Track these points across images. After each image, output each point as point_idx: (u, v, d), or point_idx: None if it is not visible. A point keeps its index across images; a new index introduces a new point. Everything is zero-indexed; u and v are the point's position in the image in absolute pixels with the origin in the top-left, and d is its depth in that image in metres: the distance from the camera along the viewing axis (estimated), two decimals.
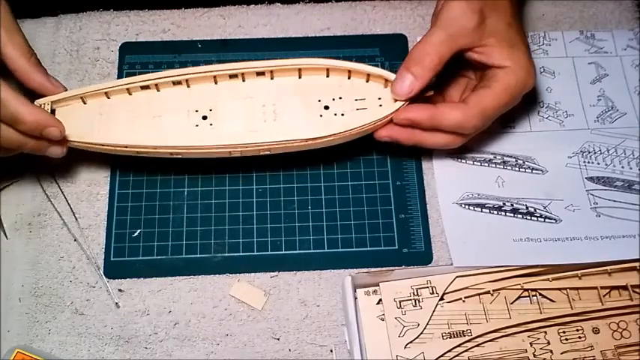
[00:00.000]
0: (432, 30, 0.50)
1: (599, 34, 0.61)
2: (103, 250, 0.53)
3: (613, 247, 0.52)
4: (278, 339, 0.51)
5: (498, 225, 0.54)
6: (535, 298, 0.51)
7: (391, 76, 0.51)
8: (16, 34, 0.50)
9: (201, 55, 0.59)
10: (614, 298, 0.51)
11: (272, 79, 0.52)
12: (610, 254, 0.52)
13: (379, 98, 0.52)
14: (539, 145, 0.57)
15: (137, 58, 0.59)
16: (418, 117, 0.49)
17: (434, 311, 0.50)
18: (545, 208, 0.54)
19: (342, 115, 0.51)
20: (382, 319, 0.50)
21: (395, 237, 0.54)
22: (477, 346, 0.49)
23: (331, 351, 0.50)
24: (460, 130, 0.50)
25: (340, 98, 0.52)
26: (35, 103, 0.50)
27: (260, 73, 0.52)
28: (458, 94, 0.54)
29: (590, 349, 0.50)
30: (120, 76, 0.58)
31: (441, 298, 0.50)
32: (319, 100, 0.52)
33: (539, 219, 0.54)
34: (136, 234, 0.53)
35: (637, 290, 0.51)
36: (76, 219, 0.54)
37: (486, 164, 0.56)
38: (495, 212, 0.54)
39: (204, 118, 0.51)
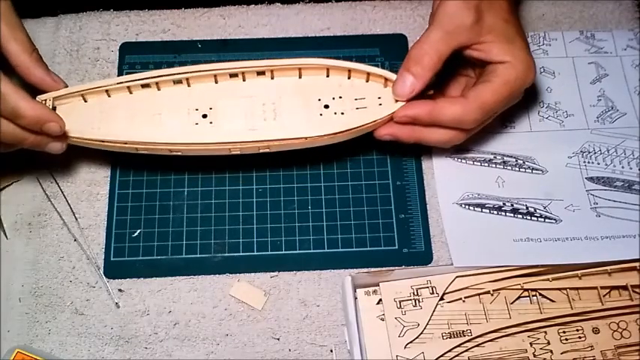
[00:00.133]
0: (429, 29, 0.50)
1: (599, 34, 0.61)
2: (103, 250, 0.53)
3: (613, 247, 0.52)
4: (278, 339, 0.51)
5: (498, 225, 0.54)
6: (535, 298, 0.51)
7: (391, 75, 0.51)
8: (19, 30, 0.50)
9: (201, 55, 0.59)
10: (614, 298, 0.51)
11: (272, 78, 0.52)
12: (610, 254, 0.52)
13: (379, 98, 0.52)
14: (539, 145, 0.57)
15: (137, 58, 0.59)
16: (417, 113, 0.49)
17: (434, 311, 0.50)
18: (545, 208, 0.54)
19: (342, 114, 0.51)
20: (382, 319, 0.50)
21: (395, 237, 0.54)
22: (477, 346, 0.49)
23: (331, 351, 0.50)
24: (460, 125, 0.50)
25: (340, 97, 0.52)
26: (37, 98, 0.50)
27: (260, 73, 0.52)
28: (458, 93, 0.54)
29: (590, 349, 0.50)
30: (120, 76, 0.58)
31: (441, 298, 0.50)
32: (319, 100, 0.52)
33: (539, 219, 0.54)
34: (136, 234, 0.53)
35: (637, 290, 0.51)
36: (76, 219, 0.54)
37: (486, 164, 0.56)
38: (495, 212, 0.54)
39: (204, 116, 0.51)
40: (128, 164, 0.56)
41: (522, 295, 0.51)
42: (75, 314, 0.51)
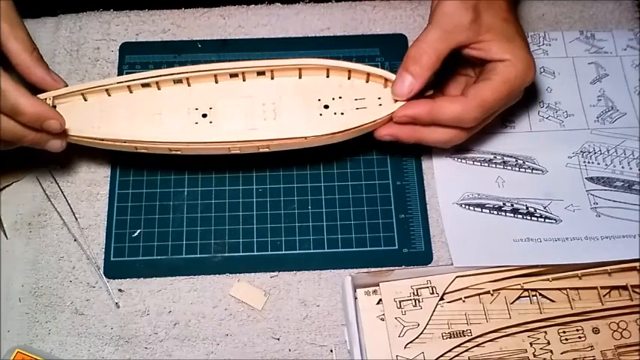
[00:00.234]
0: (427, 29, 0.50)
1: (599, 34, 0.61)
2: (103, 250, 0.53)
3: (613, 247, 0.52)
4: (278, 339, 0.51)
5: (498, 225, 0.54)
6: (535, 298, 0.51)
7: (391, 76, 0.51)
8: (19, 29, 0.50)
9: (201, 55, 0.59)
10: (614, 298, 0.51)
11: (272, 78, 0.53)
12: (610, 254, 0.52)
13: (379, 98, 0.52)
14: (539, 145, 0.57)
15: (137, 58, 0.59)
16: (417, 112, 0.49)
17: (434, 311, 0.50)
18: (545, 208, 0.54)
19: (342, 114, 0.51)
20: (382, 319, 0.50)
21: (395, 237, 0.54)
22: (477, 346, 0.49)
23: (331, 351, 0.50)
24: (460, 124, 0.50)
25: (340, 98, 0.52)
26: (39, 97, 0.50)
27: (260, 73, 0.52)
28: (458, 93, 0.53)
29: (590, 349, 0.50)
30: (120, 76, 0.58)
31: (441, 298, 0.50)
32: (319, 100, 0.52)
33: (539, 219, 0.54)
34: (136, 234, 0.53)
35: (637, 290, 0.51)
36: (76, 219, 0.54)
37: (486, 164, 0.56)
38: (495, 212, 0.54)
39: (204, 116, 0.51)
40: (128, 164, 0.56)
41: (522, 295, 0.51)
42: (75, 314, 0.51)
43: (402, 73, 0.49)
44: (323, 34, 0.61)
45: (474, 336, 0.49)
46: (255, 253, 0.53)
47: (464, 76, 0.54)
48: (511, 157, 0.56)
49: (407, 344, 0.49)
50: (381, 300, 0.50)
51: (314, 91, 0.52)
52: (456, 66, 0.53)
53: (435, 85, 0.52)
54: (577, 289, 0.51)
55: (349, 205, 0.55)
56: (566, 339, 0.50)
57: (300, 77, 0.53)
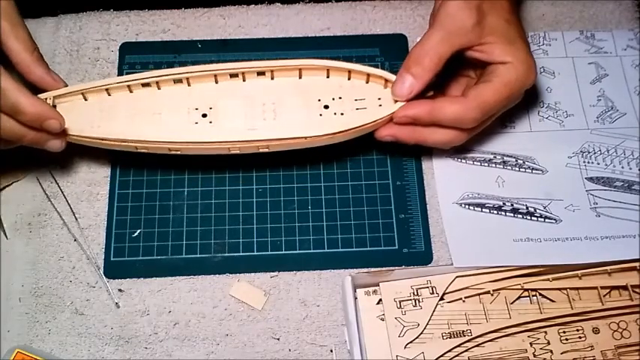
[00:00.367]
0: (430, 30, 0.49)
1: (599, 34, 0.61)
2: (103, 250, 0.53)
3: (613, 247, 0.52)
4: (278, 339, 0.51)
5: (498, 225, 0.54)
6: (535, 298, 0.51)
7: (391, 76, 0.51)
8: (20, 28, 0.50)
9: (201, 55, 0.59)
10: (614, 298, 0.51)
11: (272, 78, 0.52)
12: (610, 254, 0.52)
13: (379, 98, 0.52)
14: (539, 145, 0.57)
15: (137, 58, 0.59)
16: (417, 113, 0.49)
17: (434, 311, 0.50)
18: (545, 208, 0.54)
19: (342, 114, 0.51)
20: (382, 319, 0.50)
21: (395, 237, 0.54)
22: (477, 346, 0.49)
23: (331, 351, 0.50)
24: (460, 124, 0.50)
25: (340, 98, 0.52)
26: (38, 97, 0.50)
27: (260, 73, 0.52)
28: (459, 94, 0.53)
29: (590, 349, 0.50)
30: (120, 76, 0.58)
31: (441, 298, 0.50)
32: (319, 100, 0.52)
33: (539, 219, 0.54)
34: (136, 234, 0.53)
35: (637, 290, 0.51)
36: (76, 219, 0.54)
37: (486, 164, 0.56)
38: (495, 212, 0.54)
39: (204, 115, 0.51)
40: (128, 164, 0.56)
41: (522, 295, 0.51)
42: (75, 314, 0.51)
43: (402, 74, 0.49)
44: (323, 34, 0.61)
45: (474, 336, 0.49)
46: (255, 253, 0.53)
47: (464, 77, 0.54)
48: (511, 157, 0.56)
49: (407, 344, 0.49)
50: (381, 300, 0.50)
51: (314, 91, 0.52)
52: (457, 67, 0.53)
53: (436, 85, 0.52)
54: (577, 289, 0.51)
55: (349, 205, 0.55)
56: (566, 339, 0.50)
57: (300, 77, 0.53)
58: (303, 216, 0.54)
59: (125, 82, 0.51)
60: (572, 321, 0.50)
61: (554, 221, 0.54)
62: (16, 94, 0.45)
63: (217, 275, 0.52)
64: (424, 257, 0.53)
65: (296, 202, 0.55)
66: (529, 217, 0.54)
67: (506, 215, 0.54)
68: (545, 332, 0.50)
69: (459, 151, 0.56)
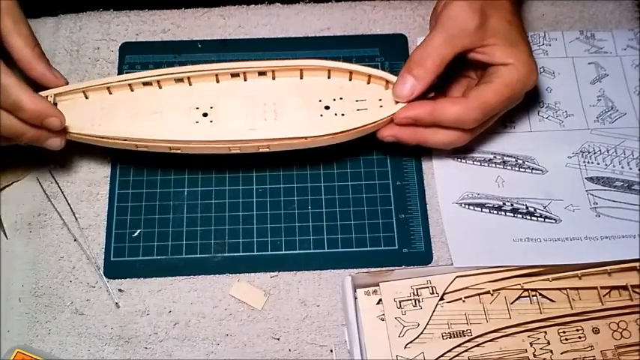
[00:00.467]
0: (433, 32, 0.49)
1: (599, 34, 0.61)
2: (103, 250, 0.53)
3: (613, 247, 0.52)
4: (278, 339, 0.51)
5: (498, 225, 0.54)
6: (535, 298, 0.51)
7: (392, 78, 0.51)
8: (22, 25, 0.50)
9: (201, 55, 0.59)
10: (614, 298, 0.51)
11: (273, 78, 0.52)
12: (610, 254, 0.52)
13: (380, 100, 0.52)
14: (539, 145, 0.57)
15: (137, 58, 0.59)
16: (418, 114, 0.49)
17: (434, 311, 0.50)
18: (545, 208, 0.54)
19: (343, 115, 0.51)
20: (382, 319, 0.50)
21: (395, 237, 0.54)
22: (477, 346, 0.49)
23: (331, 351, 0.50)
24: (461, 125, 0.50)
25: (341, 99, 0.52)
26: (40, 95, 0.50)
27: (262, 73, 0.52)
28: (459, 95, 0.53)
29: (590, 349, 0.50)
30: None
31: (441, 298, 0.50)
32: (320, 101, 0.52)
33: (539, 219, 0.54)
34: (136, 234, 0.53)
35: (637, 290, 0.51)
36: (76, 219, 0.54)
37: (486, 164, 0.56)
38: (495, 212, 0.54)
39: (205, 115, 0.51)
40: (128, 164, 0.56)
41: (522, 295, 0.51)
42: (75, 314, 0.51)
43: (404, 75, 0.49)
44: (323, 34, 0.61)
45: (474, 336, 0.49)
46: (255, 253, 0.53)
47: (465, 77, 0.54)
48: (511, 157, 0.56)
49: (407, 344, 0.49)
50: (381, 300, 0.50)
51: (315, 91, 0.52)
52: (458, 68, 0.53)
53: (437, 86, 0.52)
54: (577, 289, 0.51)
55: (349, 205, 0.55)
56: (566, 339, 0.50)
57: (301, 78, 0.53)
58: (303, 216, 0.54)
59: (126, 80, 0.51)
60: (572, 321, 0.50)
61: (554, 221, 0.54)
62: (17, 90, 0.46)
63: (217, 275, 0.52)
64: (424, 257, 0.53)
65: (296, 202, 0.55)
66: (529, 217, 0.54)
67: (506, 215, 0.54)
68: (545, 332, 0.50)
69: (459, 151, 0.56)
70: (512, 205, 0.55)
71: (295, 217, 0.54)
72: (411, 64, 0.49)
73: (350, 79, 0.52)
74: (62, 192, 0.54)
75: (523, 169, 0.56)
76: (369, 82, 0.52)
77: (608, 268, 0.51)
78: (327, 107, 0.52)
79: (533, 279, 0.51)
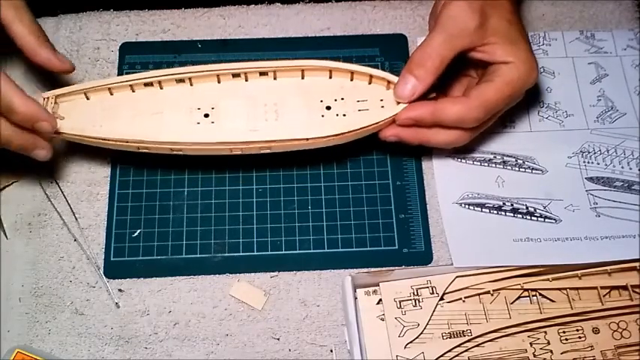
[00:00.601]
0: (432, 32, 0.49)
1: (599, 34, 0.61)
2: (103, 250, 0.53)
3: (613, 247, 0.52)
4: (278, 339, 0.51)
5: (498, 225, 0.54)
6: (535, 298, 0.51)
7: (394, 78, 0.51)
8: (24, 12, 0.50)
9: (201, 55, 0.59)
10: (614, 298, 0.51)
11: (275, 79, 0.52)
12: (610, 254, 0.52)
13: (381, 100, 0.52)
14: (539, 145, 0.57)
15: (137, 58, 0.59)
16: (420, 114, 0.49)
17: (434, 311, 0.50)
18: (545, 208, 0.54)
19: (344, 115, 0.51)
20: (382, 319, 0.50)
21: (395, 237, 0.54)
22: (477, 346, 0.49)
23: (331, 351, 0.50)
24: (462, 124, 0.50)
25: (342, 99, 0.52)
26: (41, 96, 0.50)
27: (263, 73, 0.52)
28: (460, 94, 0.53)
29: (590, 349, 0.50)
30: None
31: (441, 298, 0.50)
32: (321, 101, 0.52)
33: (539, 219, 0.54)
34: (136, 234, 0.53)
35: (637, 290, 0.51)
36: (76, 219, 0.54)
37: (486, 164, 0.56)
38: (495, 212, 0.54)
39: (206, 115, 0.51)
40: (128, 164, 0.56)
41: (522, 295, 0.51)
42: (75, 314, 0.51)
43: (405, 76, 0.49)
44: (323, 34, 0.61)
45: (474, 336, 0.49)
46: (255, 253, 0.53)
47: (466, 77, 0.54)
48: (511, 157, 0.56)
49: (407, 344, 0.49)
50: (381, 300, 0.50)
51: (316, 92, 0.52)
52: (458, 67, 0.53)
53: (437, 86, 0.51)
54: (577, 289, 0.51)
55: (349, 205, 0.55)
56: (566, 339, 0.50)
57: (302, 78, 0.52)
58: (303, 216, 0.54)
59: (127, 81, 0.51)
60: (572, 321, 0.50)
61: (554, 221, 0.54)
62: (10, 93, 0.45)
63: (217, 275, 0.52)
64: (424, 257, 0.53)
65: (296, 202, 0.55)
66: (529, 217, 0.54)
67: (506, 215, 0.54)
68: (545, 332, 0.50)
69: (459, 151, 0.56)
70: (512, 205, 0.55)
71: (295, 217, 0.54)
72: (411, 64, 0.49)
73: (351, 80, 0.52)
74: (62, 192, 0.54)
75: (523, 169, 0.56)
76: (370, 83, 0.52)
77: (608, 268, 0.51)
78: (328, 108, 0.52)
79: (533, 279, 0.51)
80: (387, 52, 0.60)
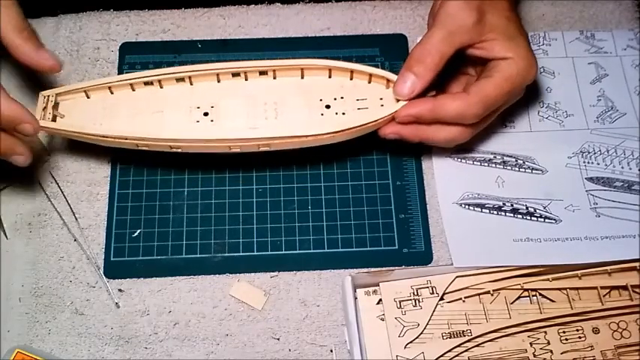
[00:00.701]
0: (431, 29, 0.50)
1: (599, 34, 0.61)
2: (103, 250, 0.53)
3: (613, 247, 0.52)
4: (278, 339, 0.51)
5: (498, 225, 0.54)
6: (535, 298, 0.51)
7: (393, 77, 0.51)
8: (11, 9, 0.48)
9: (201, 55, 0.59)
10: (614, 298, 0.51)
11: (274, 78, 0.53)
12: (610, 254, 0.52)
13: (381, 99, 0.52)
14: (539, 145, 0.57)
15: (137, 58, 0.59)
16: (419, 111, 0.49)
17: (434, 311, 0.50)
18: (545, 208, 0.54)
19: (344, 114, 0.51)
20: (382, 319, 0.50)
21: (395, 237, 0.54)
22: (477, 346, 0.49)
23: (331, 351, 0.50)
24: (462, 120, 0.50)
25: (342, 98, 0.52)
26: (41, 94, 0.50)
27: (262, 73, 0.52)
28: (459, 91, 0.53)
29: (590, 349, 0.50)
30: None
31: (441, 298, 0.50)
32: (321, 100, 0.52)
33: (539, 219, 0.54)
34: (136, 234, 0.53)
35: (637, 290, 0.51)
36: (76, 219, 0.54)
37: (486, 164, 0.56)
38: (495, 212, 0.54)
39: (206, 114, 0.51)
40: (128, 164, 0.56)
41: (522, 295, 0.51)
42: (75, 314, 0.51)
43: (404, 73, 0.49)
44: (323, 34, 0.61)
45: (474, 336, 0.49)
46: (255, 253, 0.53)
47: (464, 75, 0.54)
48: (511, 157, 0.56)
49: (407, 344, 0.49)
50: (381, 300, 0.50)
51: (316, 91, 0.52)
52: (457, 65, 0.53)
53: (436, 85, 0.52)
54: (577, 289, 0.51)
55: (349, 205, 0.55)
56: (566, 339, 0.50)
57: (302, 77, 0.53)
58: (303, 216, 0.54)
59: (128, 80, 0.51)
60: (572, 321, 0.50)
61: (554, 221, 0.54)
62: None
63: (217, 275, 0.52)
64: (424, 257, 0.53)
65: (296, 202, 0.55)
66: (529, 217, 0.54)
67: (506, 215, 0.54)
68: (545, 332, 0.50)
69: (459, 151, 0.56)
70: (512, 205, 0.54)
71: (295, 217, 0.54)
72: (410, 61, 0.49)
73: (351, 79, 0.53)
74: (62, 192, 0.54)
75: (523, 169, 0.56)
76: (369, 82, 0.52)
77: (608, 268, 0.51)
78: (327, 106, 0.52)
79: (533, 279, 0.51)
80: (387, 52, 0.60)
